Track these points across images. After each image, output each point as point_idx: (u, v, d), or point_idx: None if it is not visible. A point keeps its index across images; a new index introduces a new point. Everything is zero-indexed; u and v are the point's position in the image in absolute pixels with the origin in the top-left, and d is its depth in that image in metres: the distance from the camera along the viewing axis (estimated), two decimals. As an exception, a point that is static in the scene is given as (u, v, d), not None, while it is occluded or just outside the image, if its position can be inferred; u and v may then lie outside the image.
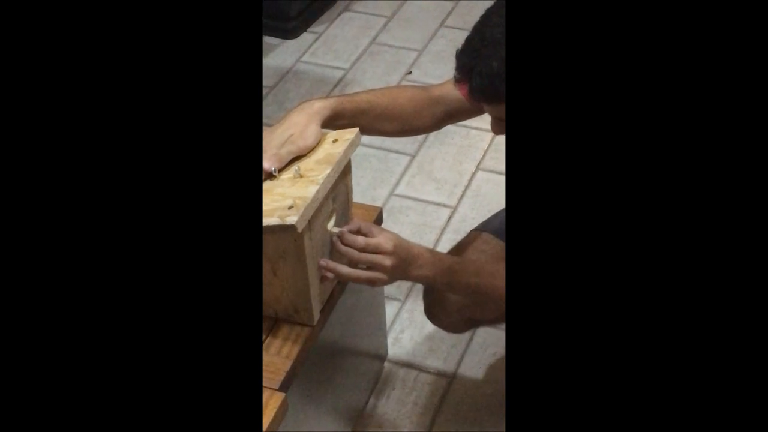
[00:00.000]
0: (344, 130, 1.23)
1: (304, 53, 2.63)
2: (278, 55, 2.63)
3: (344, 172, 1.21)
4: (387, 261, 1.17)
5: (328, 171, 1.14)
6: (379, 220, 1.45)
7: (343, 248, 1.17)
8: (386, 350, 1.73)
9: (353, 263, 1.18)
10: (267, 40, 2.67)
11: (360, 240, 1.17)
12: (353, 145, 1.21)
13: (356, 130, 1.22)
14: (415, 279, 1.25)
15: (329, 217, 1.19)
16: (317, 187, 1.11)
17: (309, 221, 1.10)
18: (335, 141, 1.21)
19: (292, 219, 1.07)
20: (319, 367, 1.36)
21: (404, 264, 1.19)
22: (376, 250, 1.17)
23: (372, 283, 1.19)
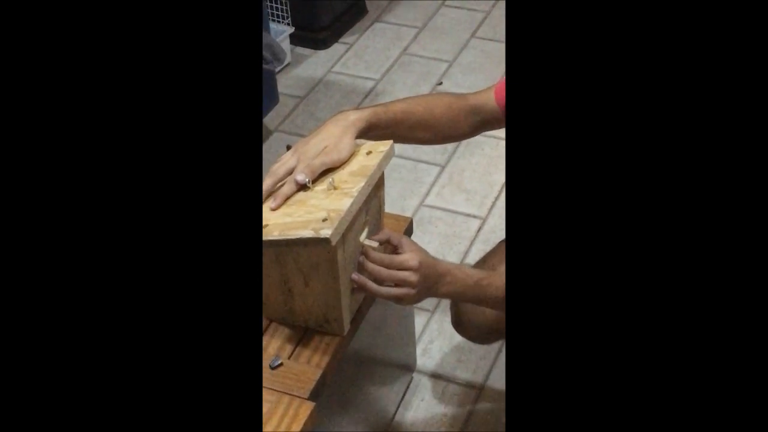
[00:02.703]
0: (378, 142, 1.24)
1: (335, 64, 2.65)
2: (309, 66, 2.64)
3: (377, 185, 1.22)
4: (412, 277, 1.17)
5: (362, 184, 1.15)
6: (409, 231, 1.46)
7: (370, 266, 1.18)
8: (415, 361, 1.73)
9: (379, 280, 1.19)
10: (298, 50, 2.69)
11: (386, 257, 1.18)
12: (387, 157, 1.21)
13: (390, 142, 1.23)
14: (443, 295, 1.25)
15: (362, 229, 1.20)
16: (351, 200, 1.12)
17: (342, 234, 1.11)
18: (369, 153, 1.21)
19: (326, 232, 1.07)
20: (348, 377, 1.36)
21: (430, 281, 1.19)
22: (402, 267, 1.17)
23: (399, 299, 1.20)
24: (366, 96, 2.50)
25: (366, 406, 1.51)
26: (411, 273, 1.17)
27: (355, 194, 1.13)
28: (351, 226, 1.14)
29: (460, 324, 1.50)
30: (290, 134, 2.35)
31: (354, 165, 1.20)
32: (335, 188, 1.16)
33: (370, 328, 1.38)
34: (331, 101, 2.48)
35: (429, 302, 1.87)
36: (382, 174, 1.23)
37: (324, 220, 1.09)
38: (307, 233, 1.09)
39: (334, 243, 1.08)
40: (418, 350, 1.76)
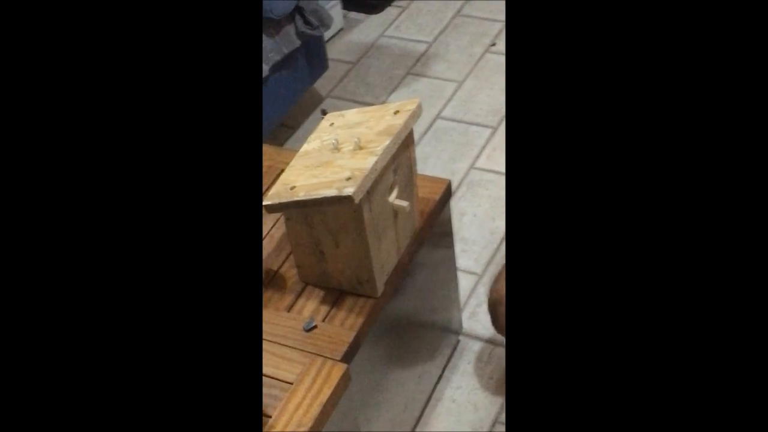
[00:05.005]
0: (406, 101, 1.22)
1: (387, 27, 2.62)
2: (362, 31, 2.62)
3: (406, 144, 1.21)
4: None
5: (387, 142, 1.14)
6: (447, 194, 1.43)
7: None
8: (461, 324, 1.72)
9: None
10: (352, 15, 2.67)
11: None
12: (414, 116, 1.20)
13: (417, 100, 1.21)
14: None
15: (390, 190, 1.19)
16: (375, 158, 1.11)
17: (368, 193, 1.10)
18: (397, 112, 1.20)
19: (349, 190, 1.07)
20: (393, 340, 1.36)
21: None
22: None
23: None
24: (417, 60, 2.47)
25: (412, 369, 1.50)
26: None
27: (380, 152, 1.12)
28: (377, 185, 1.13)
29: (500, 325, 1.47)
30: (341, 100, 2.34)
31: (381, 125, 1.19)
32: (361, 148, 1.15)
33: (413, 292, 1.37)
34: (382, 66, 2.46)
35: (477, 265, 1.85)
36: (411, 132, 1.21)
37: (348, 179, 1.08)
38: (331, 192, 1.08)
39: (357, 201, 1.07)
40: (466, 314, 1.74)
